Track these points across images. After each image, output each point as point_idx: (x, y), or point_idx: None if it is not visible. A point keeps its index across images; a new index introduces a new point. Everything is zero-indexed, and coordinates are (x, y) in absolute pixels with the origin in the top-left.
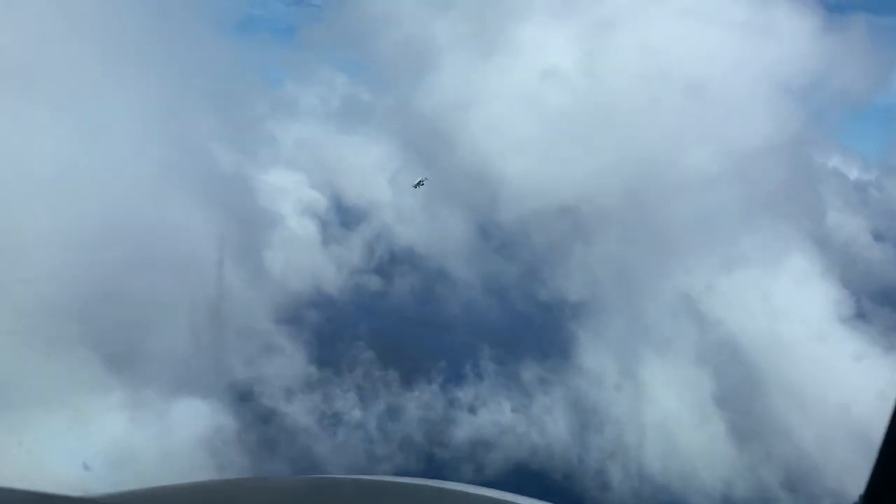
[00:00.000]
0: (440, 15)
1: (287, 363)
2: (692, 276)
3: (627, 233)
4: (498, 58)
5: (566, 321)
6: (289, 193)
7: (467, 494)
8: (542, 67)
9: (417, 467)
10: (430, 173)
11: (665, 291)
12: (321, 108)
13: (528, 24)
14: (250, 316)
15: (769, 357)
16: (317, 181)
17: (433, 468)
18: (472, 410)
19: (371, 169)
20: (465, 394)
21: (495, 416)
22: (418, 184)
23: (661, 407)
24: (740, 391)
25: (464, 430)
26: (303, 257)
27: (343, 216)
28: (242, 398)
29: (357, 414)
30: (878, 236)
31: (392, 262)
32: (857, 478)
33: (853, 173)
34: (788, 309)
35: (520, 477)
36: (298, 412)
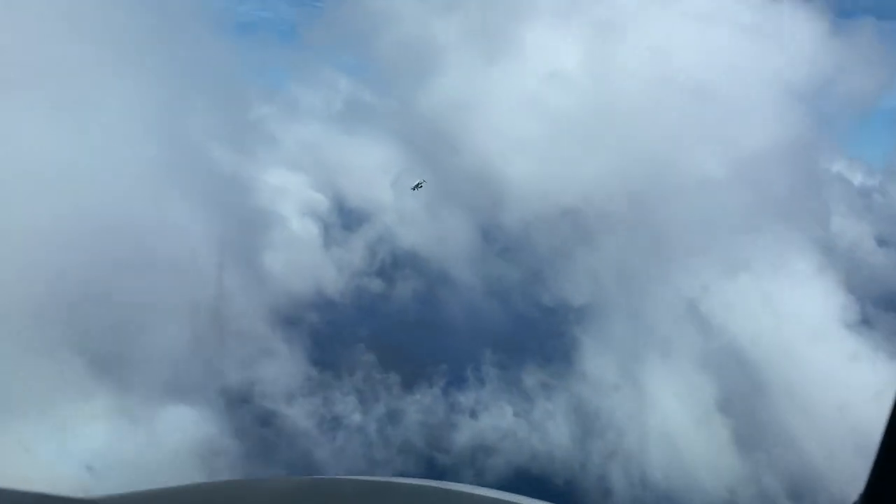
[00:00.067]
0: (444, 17)
1: (287, 366)
2: (696, 281)
3: (631, 236)
4: (501, 60)
5: (569, 325)
6: (291, 195)
7: (470, 495)
8: (546, 69)
9: (418, 472)
10: (433, 175)
11: (668, 296)
12: (325, 109)
13: (533, 27)
14: (249, 318)
15: (773, 362)
16: (319, 183)
17: (434, 473)
18: (473, 415)
19: (373, 171)
20: (466, 398)
21: (497, 421)
22: (416, 186)
23: (663, 412)
24: (744, 397)
25: (465, 434)
26: (304, 259)
27: (345, 218)
28: (239, 402)
29: (357, 417)
30: (881, 242)
31: (394, 264)
32: (862, 484)
33: (857, 178)
34: (792, 314)
35: (521, 482)
36: (298, 415)
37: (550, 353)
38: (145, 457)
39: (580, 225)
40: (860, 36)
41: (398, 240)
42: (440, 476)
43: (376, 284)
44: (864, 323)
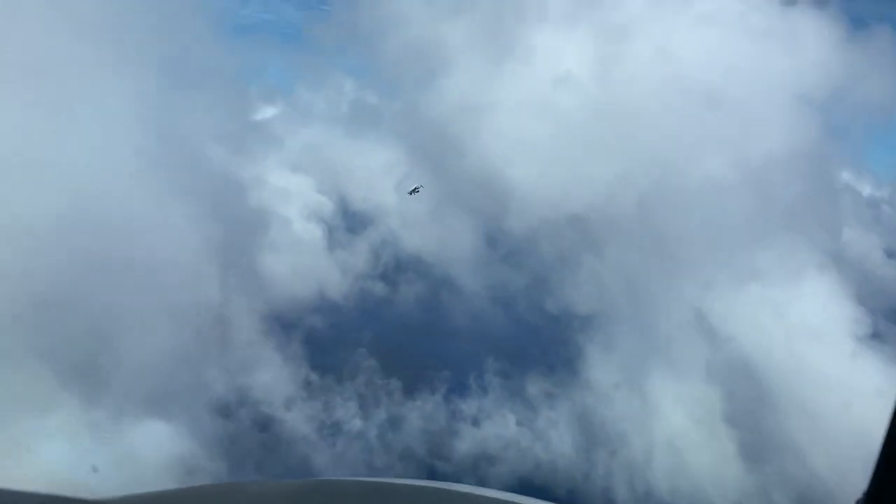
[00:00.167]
0: (450, 19)
1: (286, 370)
2: (704, 290)
3: (638, 244)
4: (508, 63)
5: (574, 333)
6: (295, 197)
7: (471, 495)
8: (555, 73)
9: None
10: (438, 179)
11: (676, 305)
12: (330, 111)
13: (541, 30)
14: (249, 321)
15: (782, 375)
16: (323, 185)
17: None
18: (475, 423)
19: (378, 174)
20: (468, 405)
21: (499, 430)
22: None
23: (669, 424)
24: (751, 410)
25: (466, 442)
26: (307, 261)
27: (349, 221)
28: (236, 407)
29: (357, 423)
30: (890, 254)
31: (398, 268)
32: (865, 484)
33: (866, 189)
34: (802, 325)
35: (523, 492)
36: (297, 420)
37: (554, 361)
38: (116, 475)
39: (586, 231)
40: (874, 45)
41: (402, 243)
42: None
43: (379, 288)
44: (875, 336)
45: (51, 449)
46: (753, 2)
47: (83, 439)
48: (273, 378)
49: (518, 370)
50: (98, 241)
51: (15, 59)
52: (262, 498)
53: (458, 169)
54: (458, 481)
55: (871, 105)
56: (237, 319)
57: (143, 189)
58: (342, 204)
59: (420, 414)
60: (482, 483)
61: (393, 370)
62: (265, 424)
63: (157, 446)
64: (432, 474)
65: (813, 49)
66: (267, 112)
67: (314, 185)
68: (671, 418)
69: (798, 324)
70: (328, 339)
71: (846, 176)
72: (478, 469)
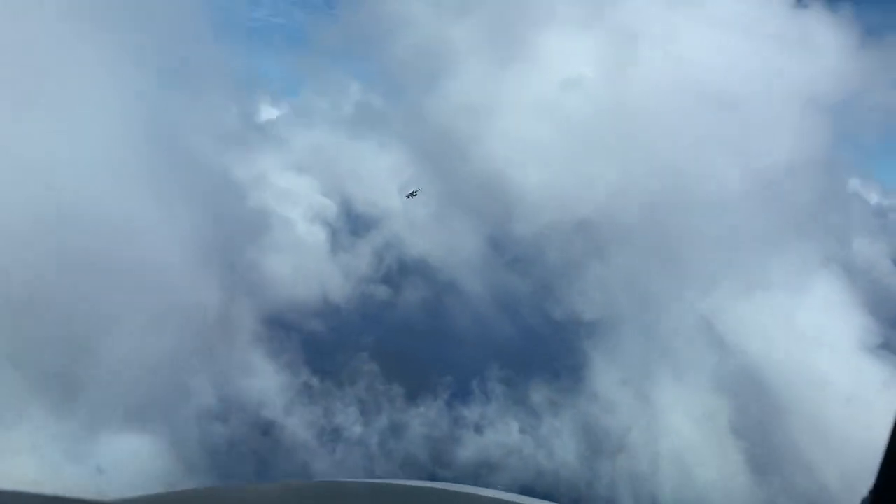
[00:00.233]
0: (456, 22)
1: (287, 373)
2: (712, 298)
3: (646, 251)
4: (515, 65)
5: (579, 341)
6: (299, 199)
7: (473, 496)
8: (562, 76)
9: None
10: (443, 182)
11: (682, 312)
12: (335, 113)
13: (549, 32)
14: (249, 323)
15: (790, 385)
16: (328, 187)
17: None
18: (478, 430)
19: (383, 177)
20: (471, 412)
21: (502, 437)
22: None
23: (675, 434)
24: (759, 420)
25: (469, 449)
26: (310, 264)
27: (353, 224)
28: (233, 412)
29: (358, 429)
30: None
31: (401, 272)
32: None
33: (873, 198)
34: (811, 335)
35: None
36: (297, 426)
37: (559, 368)
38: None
39: (593, 237)
40: (885, 52)
41: (406, 247)
42: None
43: (382, 292)
44: (884, 346)
45: (18, 464)
46: (765, 5)
47: (55, 453)
48: (273, 382)
49: (522, 377)
50: (91, 241)
51: (16, 57)
52: (264, 500)
53: (463, 172)
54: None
55: (878, 113)
56: (237, 322)
57: (142, 189)
58: (346, 206)
59: (422, 420)
60: None
61: (395, 375)
62: (264, 430)
63: (138, 460)
64: (434, 482)
65: (823, 54)
66: (272, 114)
67: (318, 187)
68: (677, 428)
69: (806, 333)
70: (329, 343)
71: (854, 184)
72: (480, 477)
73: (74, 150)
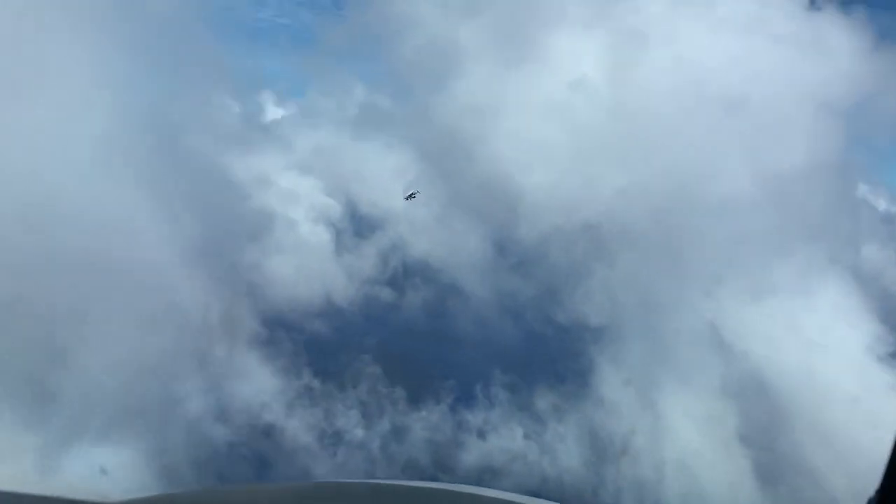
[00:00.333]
0: (463, 22)
1: (288, 375)
2: (719, 304)
3: (652, 255)
4: (522, 66)
5: (584, 345)
6: (303, 199)
7: (476, 496)
8: (570, 77)
9: None
10: (449, 184)
11: (689, 318)
12: (341, 114)
13: (556, 33)
14: (251, 323)
15: (798, 392)
16: (332, 188)
17: None
18: (481, 435)
19: (388, 178)
20: (474, 416)
21: (506, 443)
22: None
23: (681, 441)
24: (767, 428)
25: (472, 454)
26: (313, 265)
27: (357, 225)
28: (232, 414)
29: (359, 433)
30: None
31: (405, 274)
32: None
33: (881, 205)
34: (820, 342)
35: None
36: (297, 428)
37: (564, 373)
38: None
39: (599, 240)
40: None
41: (410, 249)
42: None
43: (386, 294)
44: (894, 355)
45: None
46: (778, 7)
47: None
48: (273, 384)
49: (526, 381)
50: (91, 241)
51: (12, 52)
52: (269, 500)
53: (469, 174)
54: None
55: (887, 119)
56: (238, 322)
57: (142, 189)
58: (350, 207)
59: (425, 424)
60: None
61: (397, 378)
62: (264, 432)
63: (138, 459)
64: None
65: (836, 57)
66: (278, 114)
67: (322, 188)
68: (683, 435)
69: (814, 339)
70: (332, 345)
71: (862, 190)
72: (483, 482)
73: (73, 150)
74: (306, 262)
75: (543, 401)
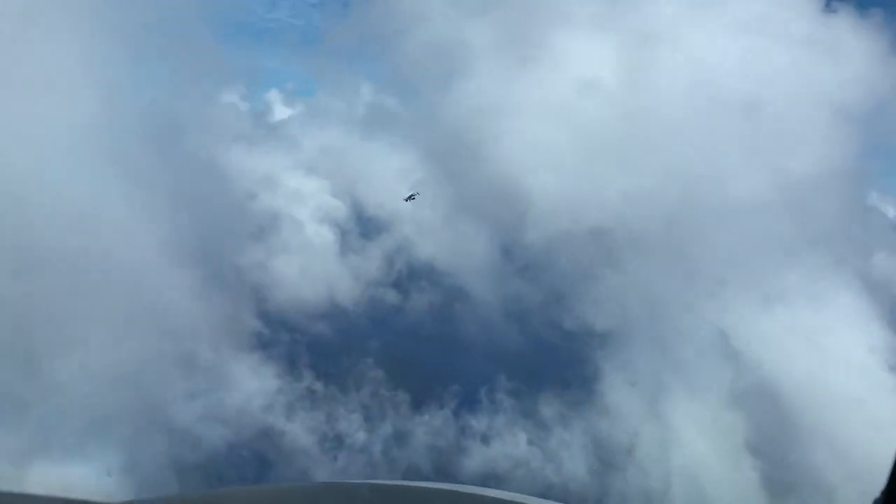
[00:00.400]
0: (471, 22)
1: (289, 376)
2: (729, 311)
3: (661, 261)
4: (531, 67)
5: (590, 351)
6: (308, 199)
7: (478, 496)
8: (579, 80)
9: None
10: (456, 186)
11: (698, 325)
12: (349, 114)
13: (566, 33)
14: (253, 324)
15: (809, 403)
16: (338, 189)
17: None
18: (485, 440)
19: (394, 179)
20: (478, 422)
21: (509, 449)
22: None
23: (689, 451)
24: (777, 439)
25: (475, 460)
26: (318, 265)
27: (363, 226)
28: (231, 415)
29: (361, 437)
30: None
31: (410, 276)
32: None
33: (890, 212)
34: (832, 351)
35: None
36: (298, 431)
37: (570, 379)
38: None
39: (607, 245)
40: None
41: (416, 251)
42: None
43: (391, 296)
44: None
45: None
46: (792, 10)
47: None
48: (275, 385)
49: (531, 387)
50: (91, 241)
51: (14, 50)
52: (272, 500)
53: (476, 176)
54: None
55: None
56: (240, 323)
57: (142, 188)
58: (356, 208)
59: (427, 429)
60: None
61: (401, 381)
62: (264, 435)
63: (138, 459)
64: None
65: (851, 61)
66: (286, 114)
67: (328, 188)
68: (690, 445)
69: (827, 349)
70: (335, 347)
71: (872, 197)
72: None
73: (74, 150)
74: (311, 262)
75: (548, 407)
